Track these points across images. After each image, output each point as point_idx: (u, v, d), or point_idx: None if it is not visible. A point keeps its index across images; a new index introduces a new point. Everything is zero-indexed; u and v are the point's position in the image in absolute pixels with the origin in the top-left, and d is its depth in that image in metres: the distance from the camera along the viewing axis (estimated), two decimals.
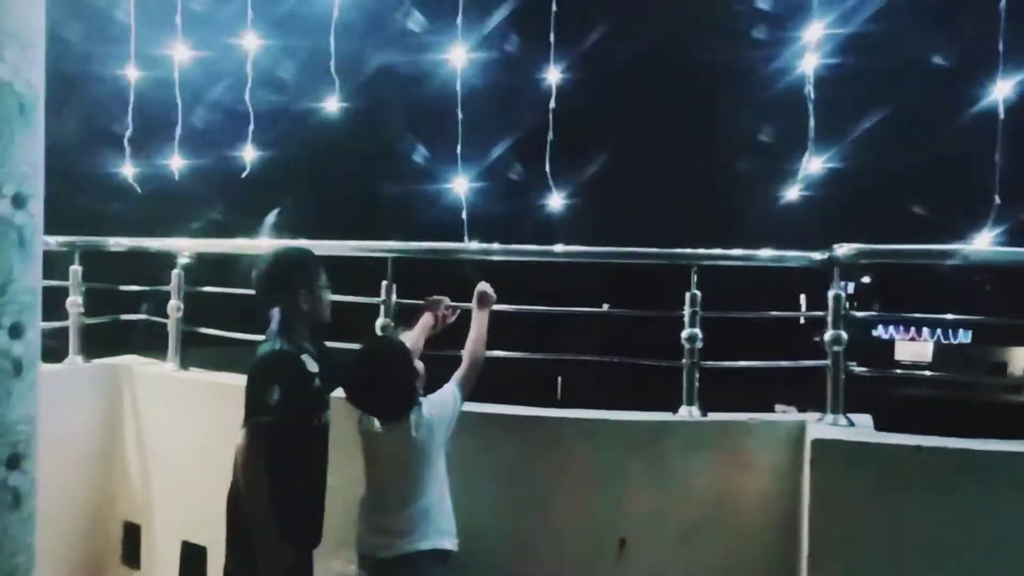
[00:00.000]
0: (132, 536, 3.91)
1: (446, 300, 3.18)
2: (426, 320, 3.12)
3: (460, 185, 3.91)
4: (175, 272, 3.90)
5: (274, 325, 2.79)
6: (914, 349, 48.98)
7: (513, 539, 3.03)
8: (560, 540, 3.02)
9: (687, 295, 3.09)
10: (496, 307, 3.10)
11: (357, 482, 2.83)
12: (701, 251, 3.12)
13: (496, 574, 2.97)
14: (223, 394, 3.65)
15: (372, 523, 2.75)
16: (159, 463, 3.84)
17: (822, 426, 2.83)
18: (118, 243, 4.16)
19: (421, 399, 2.76)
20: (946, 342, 53.53)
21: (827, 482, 2.59)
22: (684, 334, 3.08)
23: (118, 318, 4.30)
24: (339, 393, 2.80)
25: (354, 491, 2.83)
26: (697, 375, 3.09)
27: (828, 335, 2.90)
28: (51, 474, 3.53)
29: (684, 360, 3.09)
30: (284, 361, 2.72)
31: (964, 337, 53.84)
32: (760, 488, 2.97)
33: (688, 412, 3.07)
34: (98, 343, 4.14)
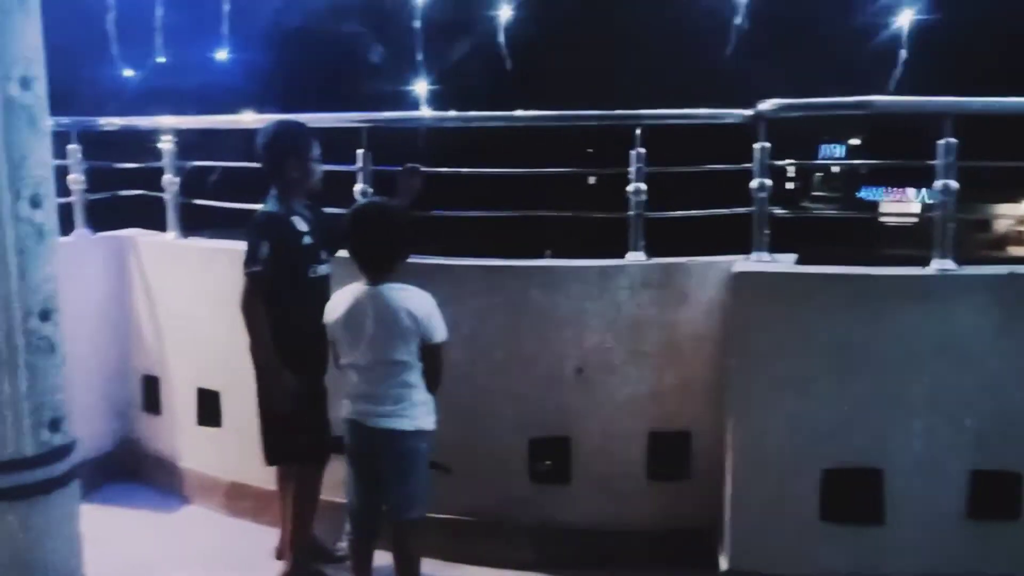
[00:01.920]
0: (151, 387, 4.39)
1: (419, 167, 3.54)
2: (403, 182, 3.47)
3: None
4: (167, 147, 4.22)
5: (271, 191, 3.21)
6: (899, 207, 49.44)
7: (488, 365, 3.50)
8: (528, 367, 3.50)
9: (632, 153, 3.45)
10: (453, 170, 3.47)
11: None
12: (644, 111, 3.47)
13: (475, 389, 3.47)
14: (222, 257, 4.05)
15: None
16: (169, 322, 4.27)
17: (746, 263, 3.25)
18: (110, 122, 4.46)
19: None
20: (931, 201, 53.83)
21: (745, 307, 3.02)
22: (630, 188, 3.46)
23: (117, 193, 4.63)
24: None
25: None
26: (641, 224, 3.48)
27: (755, 183, 3.28)
28: (72, 336, 4.01)
29: (631, 211, 3.48)
30: (273, 220, 3.17)
31: None
32: (696, 319, 3.41)
33: (635, 257, 3.49)
34: (99, 220, 4.50)
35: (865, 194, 48.24)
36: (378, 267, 2.98)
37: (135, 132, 4.48)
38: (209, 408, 4.08)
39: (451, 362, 3.07)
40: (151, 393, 4.39)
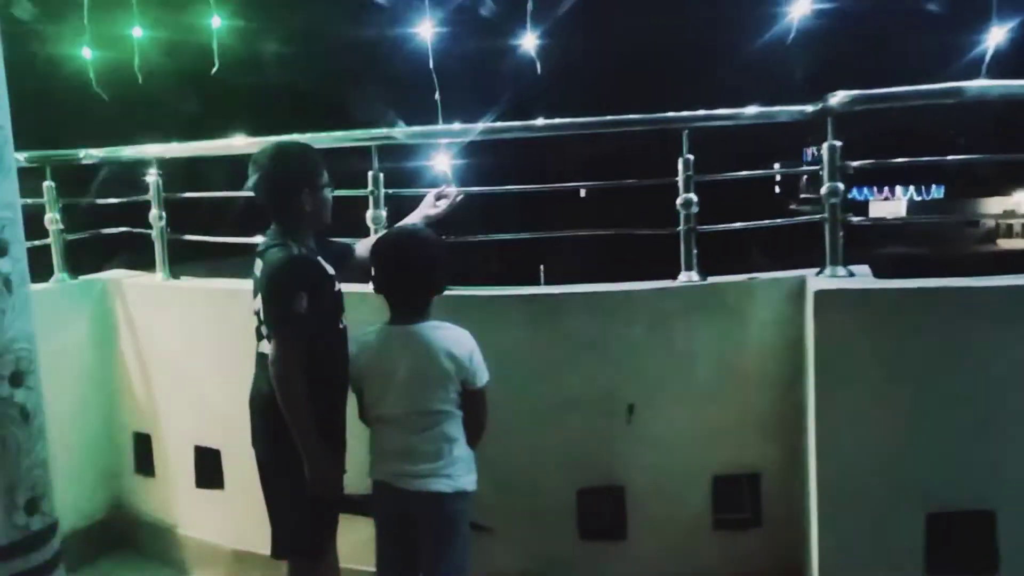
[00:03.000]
0: (143, 446, 3.95)
1: (452, 187, 3.13)
2: (427, 203, 3.07)
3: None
4: (152, 179, 3.80)
5: (275, 228, 2.70)
6: (888, 208, 49.52)
7: (528, 407, 3.08)
8: (572, 409, 3.07)
9: (680, 160, 3.05)
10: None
11: None
12: (691, 113, 3.07)
13: (514, 435, 3.03)
14: (217, 299, 3.64)
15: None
16: (161, 373, 3.83)
17: (823, 279, 2.85)
18: (89, 155, 4.03)
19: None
20: (919, 199, 54.15)
21: (831, 330, 2.62)
22: (680, 200, 3.06)
23: (99, 232, 4.21)
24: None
25: None
26: (695, 240, 3.08)
27: (825, 188, 2.88)
28: (53, 394, 3.56)
29: (681, 226, 3.08)
30: (306, 266, 2.62)
31: (937, 192, 54.45)
32: (762, 345, 3.01)
33: (688, 277, 3.08)
34: (81, 261, 4.07)
35: (855, 195, 48.20)
36: (412, 303, 2.57)
37: (117, 163, 4.05)
38: (209, 468, 3.64)
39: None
40: (143, 453, 3.94)
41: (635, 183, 3.31)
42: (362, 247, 3.01)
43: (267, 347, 2.61)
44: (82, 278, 4.04)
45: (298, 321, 2.53)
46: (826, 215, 2.89)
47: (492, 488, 2.78)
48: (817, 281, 2.81)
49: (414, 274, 2.57)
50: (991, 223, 50.56)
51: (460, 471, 2.58)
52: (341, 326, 2.75)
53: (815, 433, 2.69)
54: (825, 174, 2.87)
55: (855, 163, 2.87)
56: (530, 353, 3.09)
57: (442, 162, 3.27)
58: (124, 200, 4.05)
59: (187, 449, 3.73)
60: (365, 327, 2.68)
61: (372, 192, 3.27)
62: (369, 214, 3.29)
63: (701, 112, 3.06)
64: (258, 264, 2.68)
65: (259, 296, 2.64)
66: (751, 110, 3.05)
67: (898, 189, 53.95)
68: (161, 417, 3.84)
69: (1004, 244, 49.48)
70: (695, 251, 3.08)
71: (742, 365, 3.03)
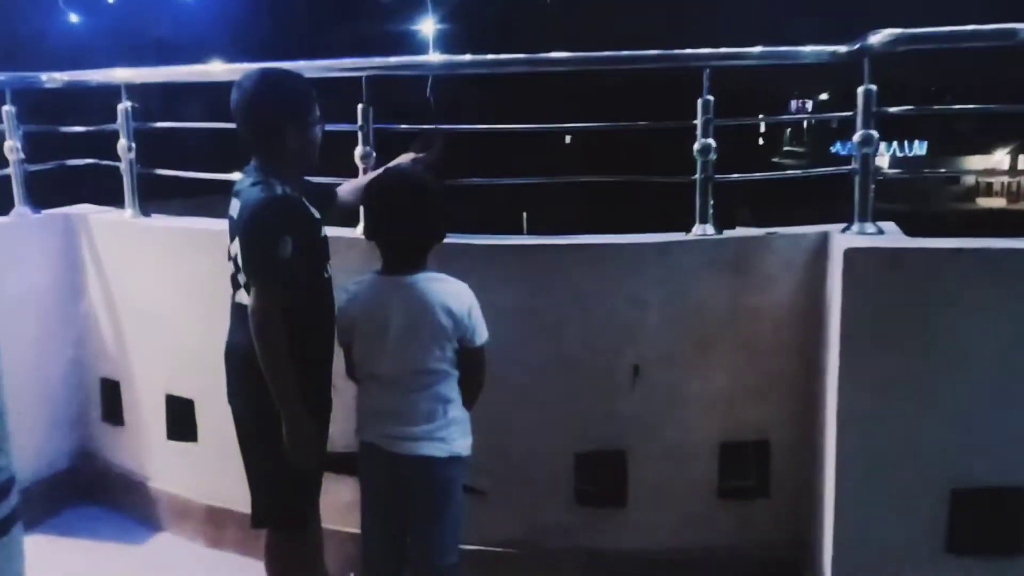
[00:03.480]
0: (111, 393, 3.71)
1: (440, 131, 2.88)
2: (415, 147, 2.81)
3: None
4: (121, 107, 3.49)
5: (256, 164, 2.42)
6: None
7: (526, 369, 2.87)
8: (574, 369, 2.87)
9: (700, 102, 2.80)
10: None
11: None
12: (712, 51, 2.81)
13: (510, 395, 2.83)
14: (190, 240, 3.37)
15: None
16: (131, 316, 3.58)
17: (851, 236, 2.64)
18: (52, 79, 3.70)
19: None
20: (901, 155, 54.10)
21: (860, 292, 2.41)
22: (697, 145, 2.82)
23: (64, 163, 3.90)
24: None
25: None
26: (711, 190, 2.85)
27: (858, 136, 2.65)
28: (13, 336, 3.30)
29: (697, 174, 2.84)
30: (290, 207, 2.34)
31: (919, 148, 54.42)
32: (779, 305, 2.81)
33: (702, 230, 2.86)
34: (44, 196, 3.77)
35: (839, 149, 47.96)
36: (408, 253, 2.34)
37: (84, 89, 3.72)
38: (181, 419, 3.41)
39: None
40: (112, 400, 3.71)
41: (647, 125, 3.06)
42: (347, 190, 2.75)
43: (245, 297, 2.37)
44: (45, 212, 3.74)
45: (282, 268, 2.28)
46: (856, 166, 2.67)
47: (485, 450, 2.58)
48: (844, 238, 2.60)
49: (410, 220, 2.33)
50: (971, 180, 50.59)
51: (455, 434, 2.38)
52: (326, 275, 2.51)
53: (838, 402, 2.51)
54: (859, 120, 2.64)
55: (894, 109, 2.64)
56: (529, 307, 2.86)
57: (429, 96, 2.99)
58: (92, 129, 3.74)
59: (158, 398, 3.49)
60: (354, 276, 2.45)
61: (361, 127, 3.00)
62: (358, 151, 3.01)
63: (724, 50, 2.80)
64: (235, 204, 2.42)
65: (236, 240, 2.38)
66: (779, 49, 2.79)
67: (880, 145, 53.69)
68: (131, 363, 3.60)
69: (983, 202, 49.59)
70: (711, 201, 2.85)
71: (755, 327, 2.83)
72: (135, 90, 3.48)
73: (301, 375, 2.33)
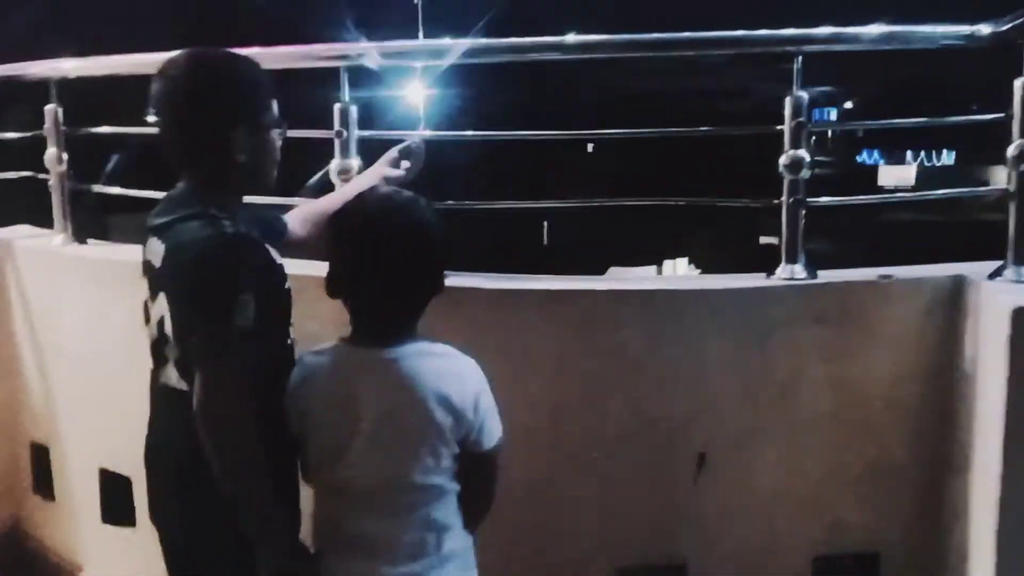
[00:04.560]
0: (41, 460, 3.02)
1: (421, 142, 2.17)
2: (385, 160, 2.11)
3: None
4: (49, 108, 2.82)
5: (187, 187, 1.71)
6: (898, 175, 48.34)
7: (557, 455, 2.15)
8: (619, 457, 2.14)
9: (788, 101, 2.08)
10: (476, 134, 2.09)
11: None
12: (807, 31, 2.10)
13: (533, 491, 2.11)
14: (132, 274, 2.67)
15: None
16: (61, 368, 2.90)
17: (1005, 284, 1.91)
18: None
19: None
20: (929, 164, 53.01)
21: None
22: (785, 158, 2.09)
23: None
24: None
25: None
26: (803, 218, 2.13)
27: (1015, 147, 1.93)
28: None
29: (784, 196, 2.12)
30: (249, 251, 1.63)
31: (948, 159, 53.35)
32: (895, 372, 2.08)
33: (791, 272, 2.13)
34: None
35: (865, 158, 47.05)
36: (392, 315, 1.63)
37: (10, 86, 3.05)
38: (117, 499, 2.71)
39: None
40: (42, 469, 3.02)
41: (715, 131, 2.33)
42: (302, 218, 2.04)
43: (175, 376, 1.67)
44: None
45: (244, 341, 1.56)
46: (1012, 186, 1.94)
47: (496, 567, 1.86)
48: (999, 288, 1.87)
49: (398, 267, 1.61)
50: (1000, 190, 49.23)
51: (452, 573, 1.66)
52: (288, 342, 1.80)
53: (998, 510, 1.78)
54: (1016, 126, 1.91)
55: None
56: (557, 373, 2.14)
57: (418, 94, 2.29)
58: (20, 136, 3.07)
59: (91, 470, 2.80)
60: (316, 347, 1.73)
61: (339, 133, 2.29)
62: (334, 164, 2.31)
63: (824, 31, 2.08)
64: (155, 246, 1.69)
65: (162, 296, 1.68)
66: (902, 30, 2.07)
67: (908, 154, 52.57)
68: (61, 426, 2.91)
69: None
70: (802, 233, 2.13)
71: (862, 401, 2.10)
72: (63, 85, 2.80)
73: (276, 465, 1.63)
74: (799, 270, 2.12)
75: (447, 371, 1.60)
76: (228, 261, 1.59)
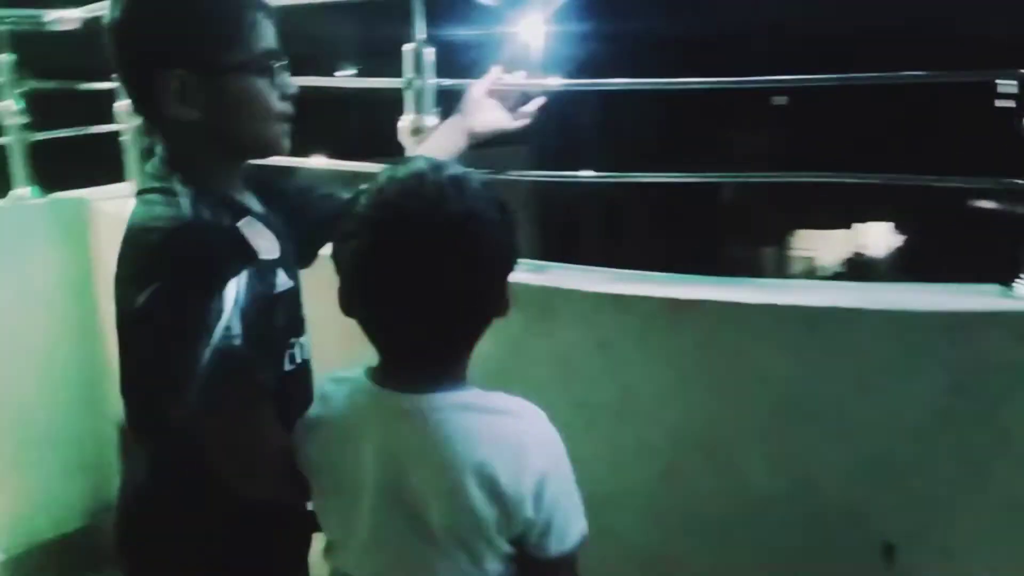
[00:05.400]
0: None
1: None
2: (473, 105, 1.59)
3: None
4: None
5: (161, 155, 1.26)
6: None
7: (655, 530, 1.58)
8: (762, 539, 1.54)
9: None
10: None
11: None
12: None
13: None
14: None
15: None
16: None
17: None
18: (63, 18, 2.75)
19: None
20: None
21: None
22: None
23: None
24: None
25: None
26: None
27: None
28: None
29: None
30: (211, 243, 1.17)
31: None
32: None
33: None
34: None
35: None
36: (426, 350, 1.08)
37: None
38: None
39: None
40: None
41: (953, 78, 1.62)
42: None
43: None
44: (52, 197, 2.84)
45: (203, 369, 1.07)
46: None
47: None
48: None
49: (431, 288, 1.03)
50: None
51: None
52: (288, 367, 1.32)
53: None
54: None
55: None
56: (668, 414, 1.55)
57: (535, 31, 1.74)
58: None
59: None
60: (330, 372, 1.23)
61: (410, 82, 1.77)
62: (405, 121, 1.80)
63: None
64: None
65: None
66: None
67: None
68: None
69: None
70: None
71: None
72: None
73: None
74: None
75: (499, 437, 1.04)
76: (178, 258, 1.12)
